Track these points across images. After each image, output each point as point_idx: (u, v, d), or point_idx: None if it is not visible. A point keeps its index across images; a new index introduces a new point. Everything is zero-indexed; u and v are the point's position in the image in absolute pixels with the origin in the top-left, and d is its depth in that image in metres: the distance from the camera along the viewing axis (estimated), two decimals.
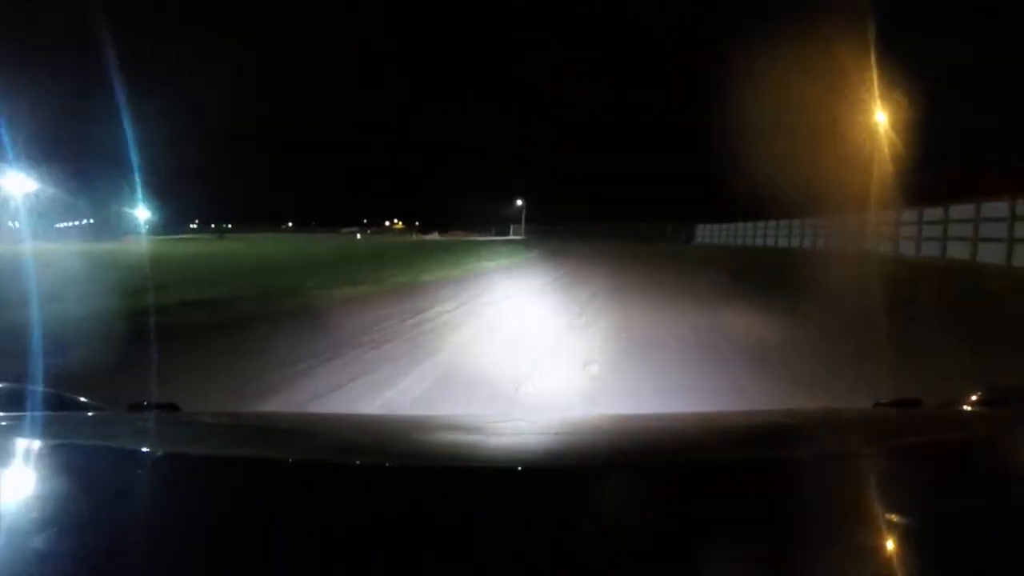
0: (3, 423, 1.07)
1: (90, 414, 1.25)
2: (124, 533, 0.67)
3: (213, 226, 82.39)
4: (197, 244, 36.03)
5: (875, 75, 18.95)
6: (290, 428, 1.34)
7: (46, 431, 1.03)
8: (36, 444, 0.97)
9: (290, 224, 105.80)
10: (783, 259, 23.15)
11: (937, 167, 22.43)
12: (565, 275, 15.04)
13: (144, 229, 37.27)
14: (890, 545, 0.66)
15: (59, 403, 1.22)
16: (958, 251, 20.97)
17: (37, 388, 1.28)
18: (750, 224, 43.47)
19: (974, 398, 1.26)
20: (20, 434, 1.02)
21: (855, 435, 1.16)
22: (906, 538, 0.67)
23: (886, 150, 20.85)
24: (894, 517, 0.72)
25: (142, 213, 38.57)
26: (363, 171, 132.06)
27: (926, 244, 22.73)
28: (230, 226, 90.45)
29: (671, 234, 58.05)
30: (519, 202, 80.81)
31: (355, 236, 74.45)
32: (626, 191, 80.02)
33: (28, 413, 1.13)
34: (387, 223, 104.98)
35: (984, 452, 0.98)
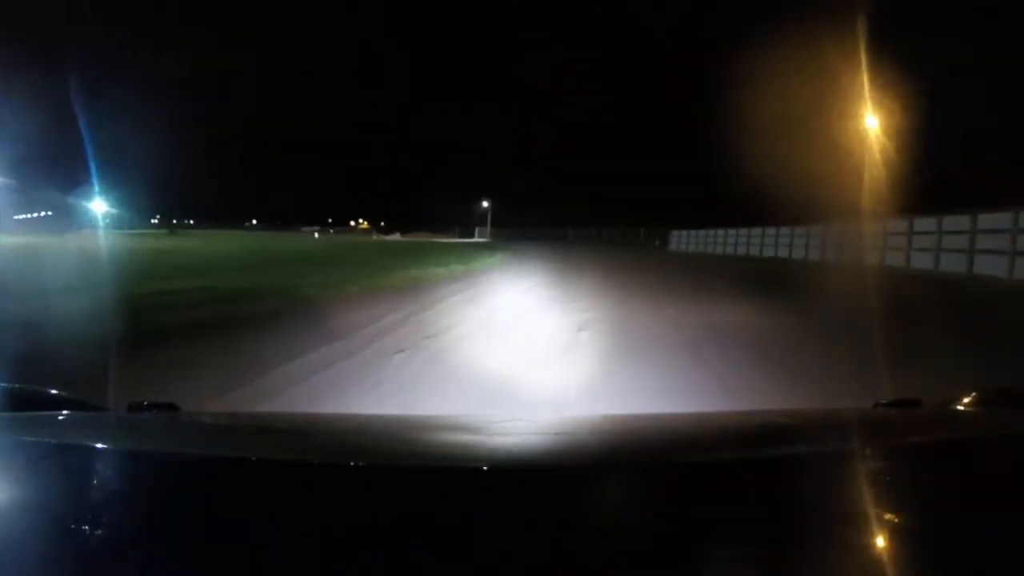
0: (3, 423, 1.06)
1: (90, 414, 1.25)
2: (124, 533, 0.68)
3: (164, 221, 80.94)
4: (143, 240, 33.06)
5: (867, 77, 17.60)
6: (290, 428, 1.35)
7: (46, 431, 1.04)
8: (36, 444, 0.96)
9: (254, 222, 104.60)
10: (765, 272, 21.12)
11: (939, 170, 21.14)
12: (529, 297, 10.69)
13: (102, 223, 35.76)
14: (890, 545, 0.67)
15: (59, 403, 1.23)
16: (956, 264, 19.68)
17: (37, 388, 1.27)
18: (732, 231, 40.47)
19: (974, 398, 1.28)
20: (20, 434, 1.00)
21: (855, 435, 1.15)
22: (906, 538, 0.69)
23: (879, 155, 19.33)
24: (894, 517, 0.73)
25: (99, 206, 37.18)
26: (331, 170, 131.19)
27: (945, 257, 20.53)
28: (191, 222, 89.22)
29: (644, 239, 55.81)
30: (484, 203, 78.45)
31: (313, 235, 72.98)
32: (599, 194, 77.60)
33: (28, 413, 1.12)
34: (352, 223, 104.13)
35: (984, 452, 0.99)
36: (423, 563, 0.61)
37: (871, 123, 20.63)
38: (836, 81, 18.89)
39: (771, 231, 34.43)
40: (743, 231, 38.68)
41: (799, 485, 0.84)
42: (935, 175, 20.94)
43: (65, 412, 1.21)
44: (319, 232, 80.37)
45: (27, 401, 1.18)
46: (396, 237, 75.80)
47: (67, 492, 0.79)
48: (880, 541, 0.68)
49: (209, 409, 3.34)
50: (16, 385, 1.24)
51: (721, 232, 42.00)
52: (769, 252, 33.95)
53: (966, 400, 1.28)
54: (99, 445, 1.01)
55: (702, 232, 45.59)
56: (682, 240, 49.55)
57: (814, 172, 20.58)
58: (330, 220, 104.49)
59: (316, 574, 0.60)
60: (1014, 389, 1.32)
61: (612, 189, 74.37)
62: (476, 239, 67.18)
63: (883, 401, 1.33)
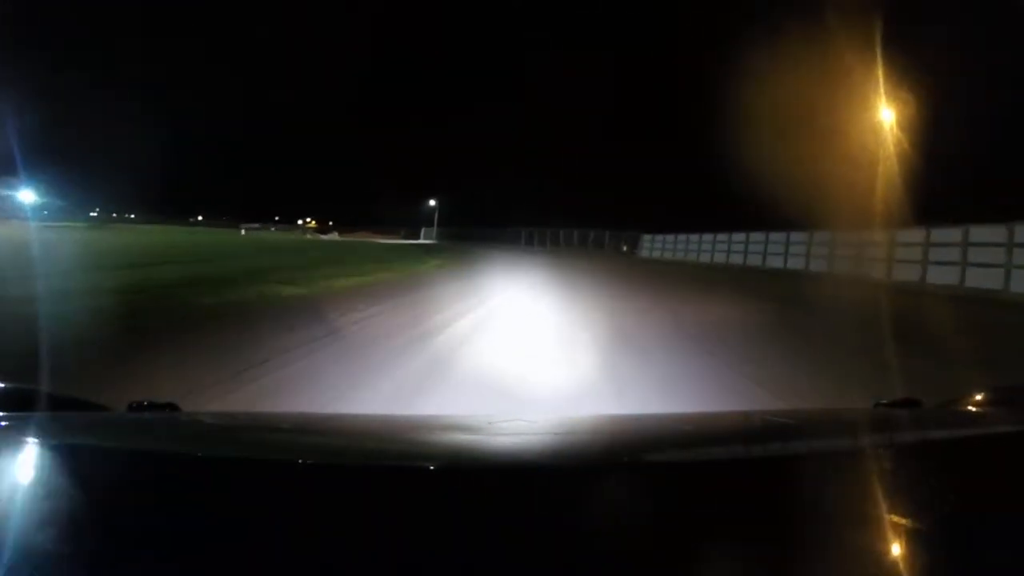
0: (3, 423, 1.06)
1: (90, 414, 1.25)
2: (124, 533, 0.68)
3: (104, 215, 78.74)
4: (59, 232, 29.39)
5: (880, 65, 14.77)
6: (290, 428, 1.34)
7: (46, 431, 1.04)
8: (36, 444, 0.97)
9: (200, 218, 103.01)
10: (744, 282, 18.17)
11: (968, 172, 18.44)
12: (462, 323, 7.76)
13: (30, 214, 34.36)
14: (890, 545, 0.68)
15: (59, 403, 1.23)
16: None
17: (37, 388, 1.27)
18: (713, 237, 35.27)
19: (974, 398, 1.30)
20: (20, 434, 1.01)
21: (855, 435, 1.17)
22: (906, 538, 0.69)
23: (894, 152, 16.25)
24: (894, 517, 0.74)
25: (27, 196, 36.09)
26: (283, 168, 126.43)
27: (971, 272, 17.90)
28: (133, 216, 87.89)
29: (610, 243, 49.77)
30: (432, 202, 74.30)
31: (240, 232, 70.20)
32: (561, 193, 66.23)
33: (28, 413, 1.13)
34: (300, 221, 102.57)
35: (984, 451, 1.01)
36: (423, 563, 0.62)
37: (885, 116, 17.68)
38: (842, 71, 16.14)
39: (759, 237, 30.27)
40: (726, 237, 33.84)
41: (799, 485, 0.85)
42: (960, 178, 18.32)
43: (65, 412, 1.21)
44: (246, 229, 77.05)
45: (27, 401, 1.18)
46: (334, 236, 74.30)
47: (67, 492, 0.79)
48: (880, 541, 0.69)
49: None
50: (16, 385, 1.24)
51: (705, 237, 36.47)
52: (756, 261, 30.16)
53: (966, 400, 1.31)
54: (99, 445, 1.00)
55: (682, 237, 39.26)
56: (656, 245, 42.98)
57: (817, 171, 17.46)
58: (276, 218, 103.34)
59: (316, 574, 0.60)
60: (1013, 388, 1.34)
61: (577, 189, 64.87)
62: (421, 240, 62.97)
63: (883, 401, 1.34)
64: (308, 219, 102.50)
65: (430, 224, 72.67)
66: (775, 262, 28.28)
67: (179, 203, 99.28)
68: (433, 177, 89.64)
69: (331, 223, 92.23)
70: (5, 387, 1.22)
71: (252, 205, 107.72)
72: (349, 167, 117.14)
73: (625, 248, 47.88)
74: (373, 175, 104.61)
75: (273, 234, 74.65)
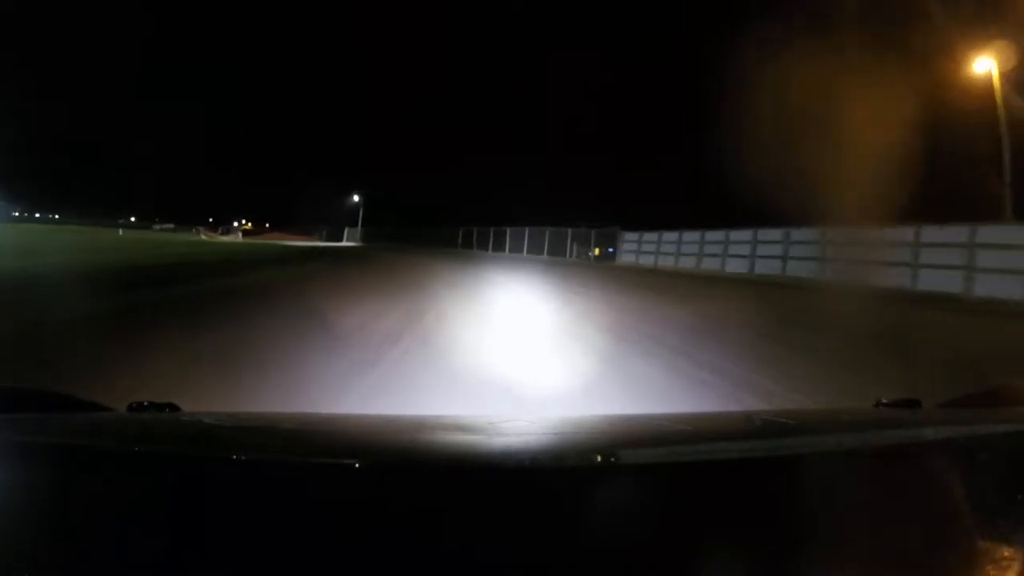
0: (3, 423, 1.06)
1: (90, 414, 1.25)
2: (124, 533, 0.68)
3: (24, 215, 79.64)
4: None
5: None
6: (290, 428, 1.34)
7: (46, 431, 1.04)
8: (36, 444, 0.97)
9: (132, 219, 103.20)
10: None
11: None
12: None
13: None
14: (890, 545, 0.68)
15: (59, 403, 1.23)
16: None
17: (37, 388, 1.27)
18: (715, 234, 26.02)
19: (974, 398, 1.30)
20: (20, 434, 1.01)
21: (855, 435, 1.17)
22: (906, 538, 0.70)
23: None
24: (894, 517, 0.74)
25: None
26: (217, 167, 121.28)
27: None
28: (56, 216, 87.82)
29: (578, 245, 34.80)
30: (356, 198, 64.54)
31: (118, 232, 63.06)
32: (520, 188, 50.06)
33: (28, 413, 1.13)
34: (235, 223, 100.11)
35: (984, 452, 1.00)
36: (423, 563, 0.62)
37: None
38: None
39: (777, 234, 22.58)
40: (715, 234, 25.74)
41: (799, 485, 0.85)
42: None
43: (65, 412, 1.21)
44: (121, 229, 71.39)
45: (27, 401, 1.18)
46: (236, 238, 68.65)
47: (67, 492, 0.79)
48: (880, 541, 0.69)
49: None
50: (16, 385, 1.25)
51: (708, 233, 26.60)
52: (768, 266, 22.46)
53: (966, 400, 1.31)
54: (99, 445, 0.99)
55: (694, 235, 27.51)
56: (645, 247, 30.78)
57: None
58: (210, 219, 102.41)
59: (316, 574, 0.60)
60: (1013, 388, 1.33)
61: (541, 181, 48.93)
62: (344, 243, 57.12)
63: (883, 401, 1.34)
64: (244, 220, 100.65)
65: (350, 224, 64.41)
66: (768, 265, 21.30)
67: (108, 204, 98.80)
68: (367, 174, 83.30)
69: (267, 224, 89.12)
70: (5, 387, 1.22)
71: (191, 207, 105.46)
72: (279, 164, 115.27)
73: (596, 252, 33.06)
74: (303, 173, 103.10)
75: (157, 233, 69.84)
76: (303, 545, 0.63)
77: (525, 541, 0.66)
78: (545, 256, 35.29)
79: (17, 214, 75.80)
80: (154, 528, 0.69)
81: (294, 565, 0.61)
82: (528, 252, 37.89)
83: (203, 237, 63.84)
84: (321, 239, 63.48)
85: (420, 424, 1.44)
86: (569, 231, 35.69)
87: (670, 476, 0.87)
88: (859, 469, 0.93)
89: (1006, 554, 0.64)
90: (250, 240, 60.90)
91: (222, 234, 76.55)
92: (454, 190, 58.63)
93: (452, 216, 48.99)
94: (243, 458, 0.95)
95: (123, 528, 0.69)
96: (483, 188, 54.55)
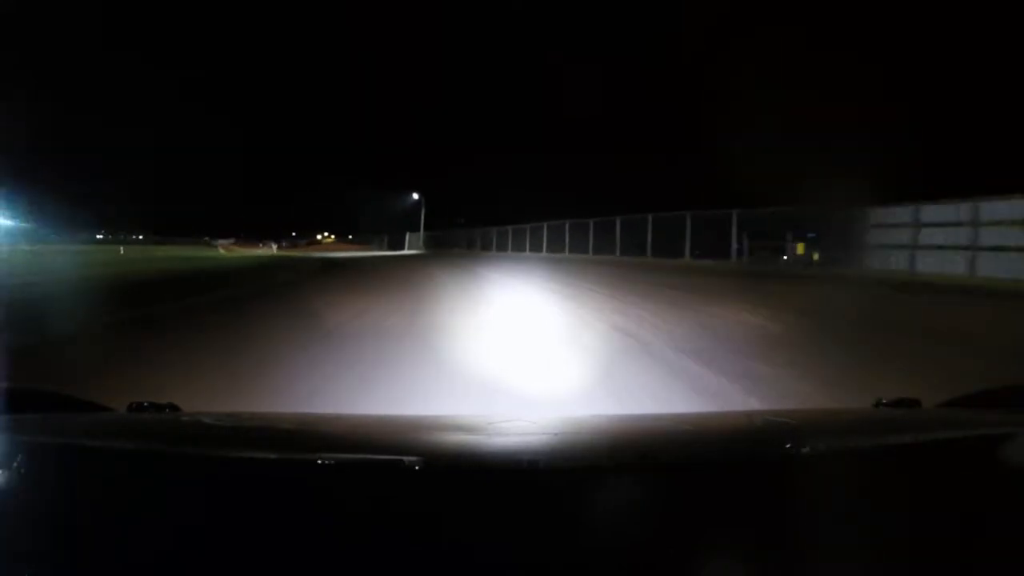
0: (3, 423, 1.06)
1: (90, 414, 1.26)
2: (124, 534, 0.69)
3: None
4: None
5: None
6: (291, 428, 1.34)
7: (46, 431, 1.05)
8: (36, 444, 0.97)
9: (141, 236, 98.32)
10: None
11: None
12: None
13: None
14: (890, 546, 0.68)
15: (59, 403, 1.24)
16: None
17: (37, 388, 1.28)
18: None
19: (974, 398, 1.30)
20: (20, 434, 1.01)
21: (855, 435, 1.17)
22: (906, 538, 0.70)
23: None
24: (894, 517, 0.75)
25: None
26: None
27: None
28: (140, 237, 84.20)
29: (757, 249, 19.23)
30: (415, 196, 56.68)
31: (119, 251, 56.87)
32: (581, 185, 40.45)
33: (28, 413, 1.14)
34: (318, 236, 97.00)
35: (984, 452, 1.00)
36: (423, 563, 0.63)
37: None
38: None
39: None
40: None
41: (799, 485, 0.85)
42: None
43: (65, 412, 1.22)
44: (219, 244, 67.52)
45: (27, 401, 1.19)
46: (270, 250, 60.23)
47: (67, 492, 0.80)
48: (880, 541, 0.69)
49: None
50: (16, 385, 1.25)
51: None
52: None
53: (966, 400, 1.32)
54: (99, 445, 1.00)
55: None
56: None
57: None
58: (293, 234, 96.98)
59: (316, 574, 0.61)
60: (1013, 388, 1.33)
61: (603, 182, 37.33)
62: (406, 251, 51.01)
63: (883, 401, 1.34)
64: (327, 233, 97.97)
65: (429, 228, 55.44)
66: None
67: (186, 223, 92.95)
68: (419, 175, 73.36)
69: (350, 236, 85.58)
70: (5, 387, 1.22)
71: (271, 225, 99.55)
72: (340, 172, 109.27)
73: (799, 251, 18.50)
74: (357, 181, 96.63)
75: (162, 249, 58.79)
76: (303, 545, 0.64)
77: (525, 541, 0.66)
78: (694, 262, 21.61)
79: (101, 236, 73.21)
80: (154, 528, 0.69)
81: (294, 565, 0.61)
82: (651, 254, 25.10)
83: (222, 251, 56.41)
84: (381, 248, 58.71)
85: (419, 424, 1.45)
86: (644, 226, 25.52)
87: (670, 476, 0.87)
88: (859, 469, 0.92)
89: (1006, 554, 0.65)
90: (285, 253, 53.83)
91: (261, 247, 68.54)
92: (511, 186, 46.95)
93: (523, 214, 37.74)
94: (243, 458, 0.96)
95: (123, 528, 0.70)
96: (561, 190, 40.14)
